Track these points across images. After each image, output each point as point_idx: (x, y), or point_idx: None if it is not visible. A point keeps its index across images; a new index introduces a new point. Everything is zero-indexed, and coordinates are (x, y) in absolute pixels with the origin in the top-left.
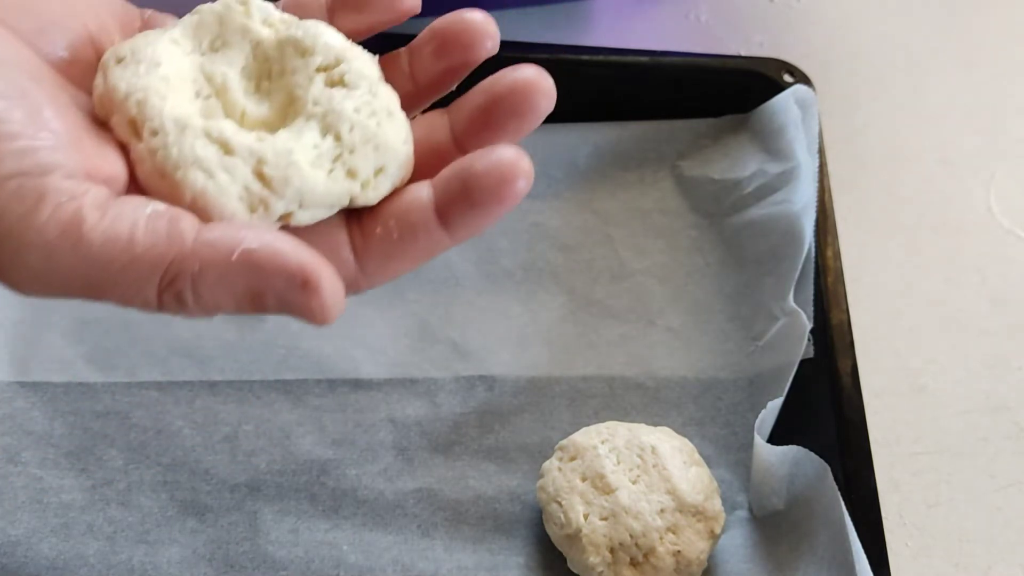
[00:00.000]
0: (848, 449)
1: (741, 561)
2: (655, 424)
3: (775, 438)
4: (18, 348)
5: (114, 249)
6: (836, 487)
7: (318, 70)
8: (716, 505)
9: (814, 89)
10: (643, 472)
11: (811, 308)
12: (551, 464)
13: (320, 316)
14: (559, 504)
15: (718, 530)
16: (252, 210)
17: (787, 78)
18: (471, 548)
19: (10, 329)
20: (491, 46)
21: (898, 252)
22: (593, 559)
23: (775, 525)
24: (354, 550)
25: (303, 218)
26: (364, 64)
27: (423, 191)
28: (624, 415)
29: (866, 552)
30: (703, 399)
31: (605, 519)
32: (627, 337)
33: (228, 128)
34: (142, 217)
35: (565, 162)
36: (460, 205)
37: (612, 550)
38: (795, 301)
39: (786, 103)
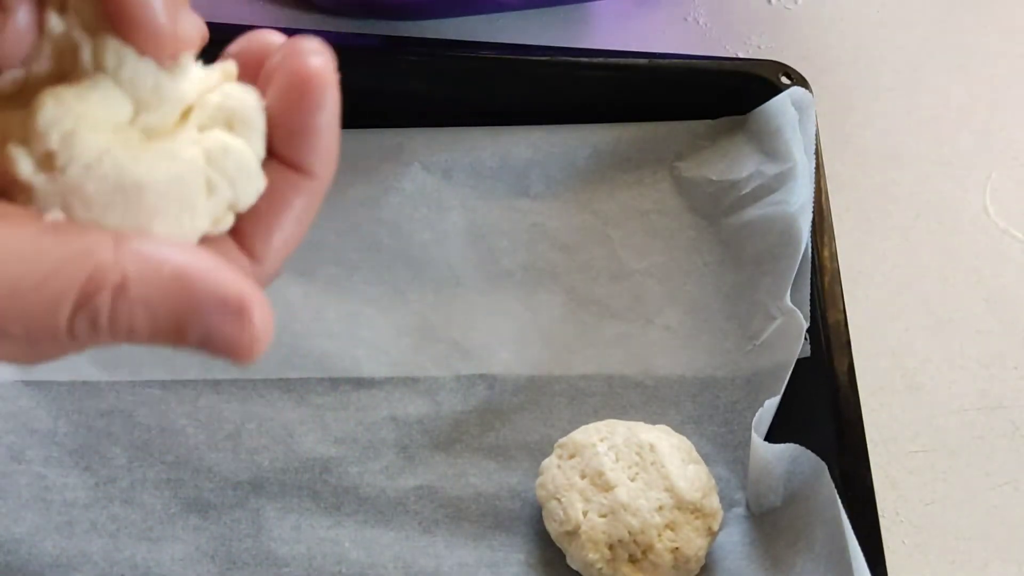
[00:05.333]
0: (845, 447)
1: (739, 558)
2: (653, 422)
3: (772, 436)
4: None
5: (19, 267)
6: (833, 485)
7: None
8: (714, 502)
9: (811, 91)
10: (641, 470)
11: (808, 308)
12: (551, 462)
13: (247, 350)
14: (558, 501)
15: (716, 527)
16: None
17: (784, 80)
18: (472, 545)
19: None
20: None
21: (894, 252)
22: (592, 556)
23: (772, 522)
24: (356, 547)
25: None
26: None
27: None
28: (623, 413)
29: (863, 549)
30: (701, 397)
31: (604, 516)
32: (626, 336)
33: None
34: (45, 228)
35: (564, 163)
36: (289, 135)
37: (611, 547)
38: (792, 301)
39: (783, 105)
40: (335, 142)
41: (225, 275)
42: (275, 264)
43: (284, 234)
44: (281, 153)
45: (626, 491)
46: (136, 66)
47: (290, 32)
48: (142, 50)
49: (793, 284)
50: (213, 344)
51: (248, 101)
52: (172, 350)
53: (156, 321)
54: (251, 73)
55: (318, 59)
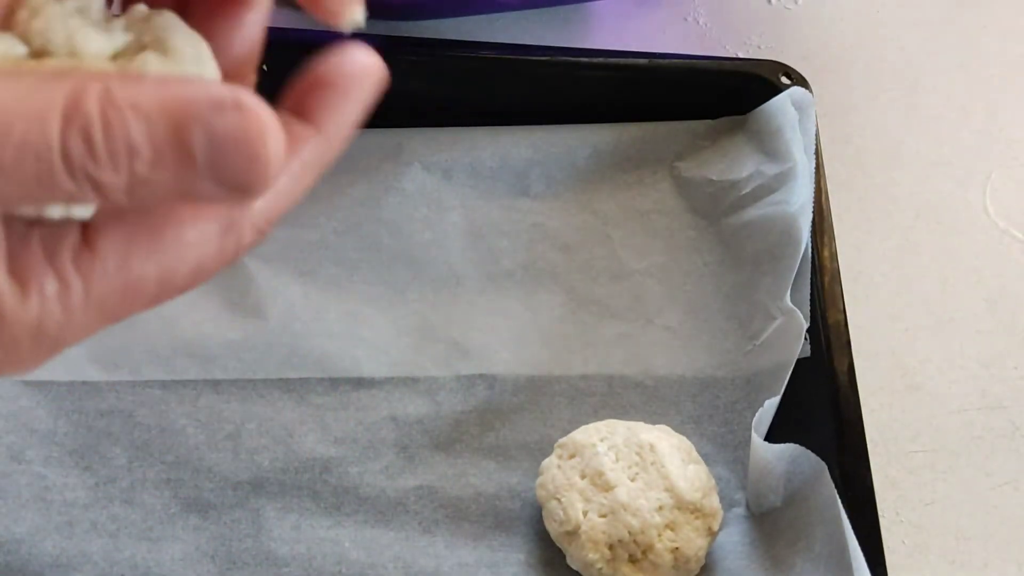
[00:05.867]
0: (845, 447)
1: (739, 558)
2: (653, 422)
3: (772, 436)
4: None
5: (5, 85)
6: (833, 485)
7: None
8: (714, 502)
9: (811, 91)
10: (641, 470)
11: (808, 307)
12: (551, 462)
13: (263, 147)
14: (558, 501)
15: (716, 527)
16: None
17: (784, 80)
18: (472, 545)
19: None
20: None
21: (894, 252)
22: (592, 556)
23: (772, 522)
24: (356, 547)
25: None
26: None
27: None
28: (623, 413)
29: (863, 549)
30: (701, 397)
31: (604, 516)
32: (626, 336)
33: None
34: (25, 61)
35: (565, 163)
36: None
37: (611, 547)
38: (792, 301)
39: (783, 105)
40: (354, 120)
41: (210, 83)
42: (270, 224)
43: (279, 186)
44: (298, 101)
45: (626, 491)
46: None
47: (290, 32)
48: None
49: (793, 284)
50: (224, 149)
51: (171, 22)
52: (173, 350)
53: (153, 130)
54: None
55: (371, 56)
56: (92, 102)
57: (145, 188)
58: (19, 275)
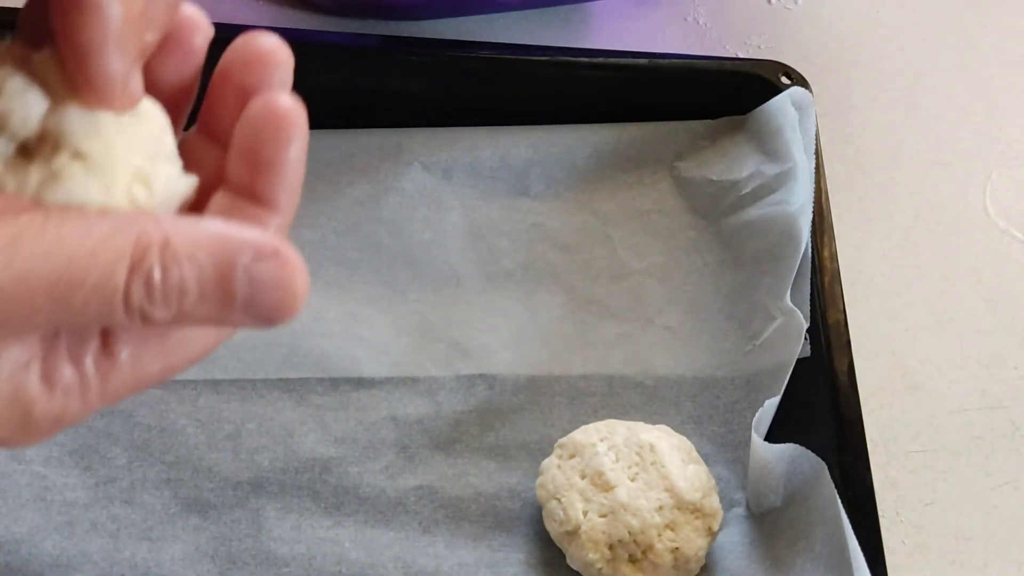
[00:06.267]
0: (845, 447)
1: (739, 558)
2: (653, 422)
3: (772, 436)
4: None
5: (78, 234)
6: (833, 485)
7: None
8: (714, 502)
9: (811, 91)
10: (641, 470)
11: (808, 308)
12: (551, 462)
13: (293, 289)
14: (558, 501)
15: (716, 527)
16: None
17: (784, 80)
18: (472, 545)
19: None
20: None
21: (894, 252)
22: (592, 556)
23: (772, 522)
24: (356, 547)
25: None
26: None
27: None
28: (623, 413)
29: (863, 549)
30: (701, 397)
31: (604, 516)
32: (626, 336)
33: None
34: (81, 212)
35: (565, 163)
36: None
37: (611, 547)
38: (792, 301)
39: (783, 105)
40: (300, 179)
41: (259, 232)
42: None
43: None
44: (246, 185)
45: (626, 491)
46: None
47: (290, 32)
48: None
49: (793, 284)
50: (260, 292)
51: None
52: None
53: (203, 274)
54: (236, 82)
55: (287, 99)
56: (155, 253)
57: (186, 320)
58: (48, 378)
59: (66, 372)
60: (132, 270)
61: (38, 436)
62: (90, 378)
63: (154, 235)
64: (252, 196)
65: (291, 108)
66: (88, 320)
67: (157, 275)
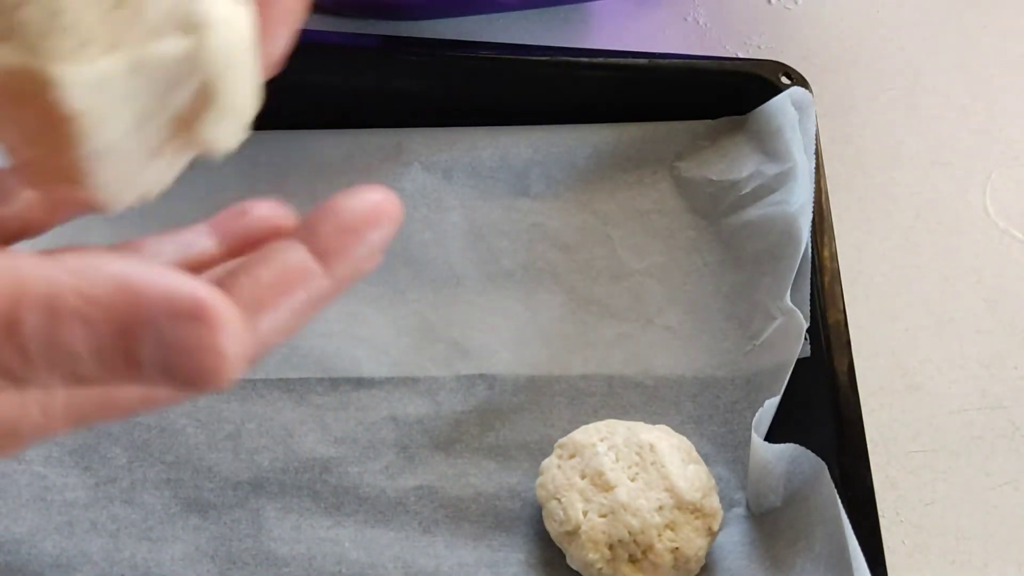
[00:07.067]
0: (845, 447)
1: (739, 558)
2: (653, 422)
3: (772, 436)
4: None
5: None
6: (833, 485)
7: None
8: (714, 502)
9: (811, 91)
10: (641, 470)
11: (808, 308)
12: (551, 462)
13: (216, 364)
14: (558, 501)
15: (716, 527)
16: None
17: (784, 80)
18: (472, 545)
19: None
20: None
21: (894, 252)
22: (592, 556)
23: (772, 522)
24: (356, 547)
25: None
26: None
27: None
28: (623, 413)
29: (863, 549)
30: (701, 397)
31: (604, 516)
32: (626, 336)
33: None
34: None
35: (565, 163)
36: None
37: (611, 547)
38: (792, 301)
39: (783, 105)
40: (368, 260)
41: (174, 278)
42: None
43: (276, 317)
44: (315, 240)
45: (626, 491)
46: None
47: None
48: None
49: (793, 284)
50: (175, 357)
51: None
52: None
53: (99, 339)
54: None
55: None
56: (33, 315)
57: (82, 382)
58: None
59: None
60: (3, 334)
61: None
62: (53, 388)
63: (35, 290)
64: (315, 246)
65: (393, 206)
66: None
67: (36, 343)
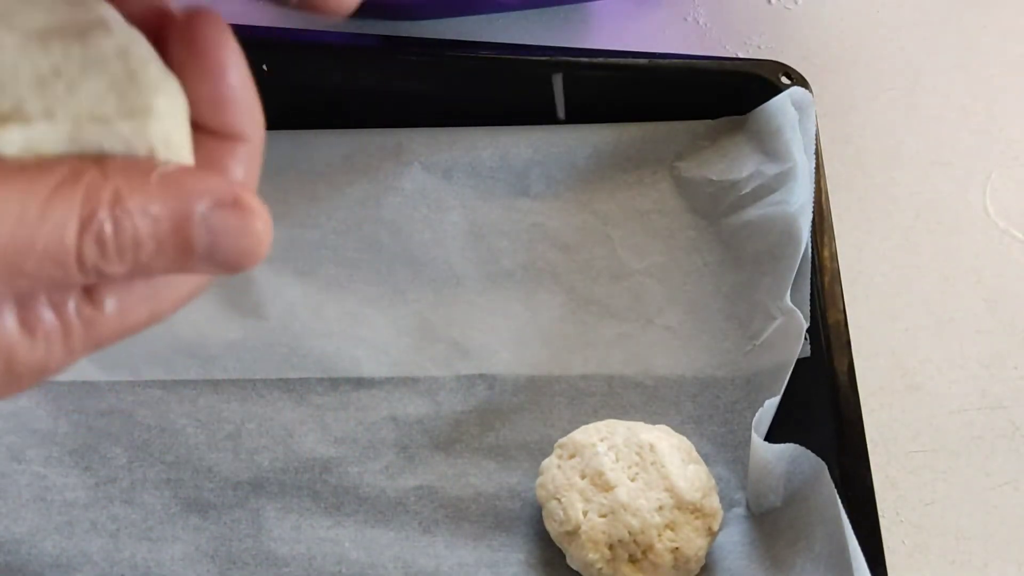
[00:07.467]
0: (845, 447)
1: (739, 558)
2: (653, 422)
3: (772, 436)
4: None
5: (20, 196)
6: (833, 485)
7: None
8: (714, 502)
9: (811, 91)
10: (641, 470)
11: (808, 308)
12: (551, 462)
13: (256, 238)
14: (558, 501)
15: (716, 527)
16: None
17: (784, 80)
18: (472, 545)
19: None
20: None
21: (894, 252)
22: (592, 556)
23: (772, 522)
24: (356, 547)
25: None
26: None
27: None
28: (623, 413)
29: (863, 549)
30: (701, 397)
31: (604, 516)
32: (626, 336)
33: None
34: (17, 169)
35: (564, 163)
36: None
37: (611, 547)
38: (792, 301)
39: (783, 105)
40: (254, 99)
41: (212, 177)
42: None
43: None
44: (207, 125)
45: (626, 491)
46: None
47: (290, 32)
48: None
49: (793, 284)
50: (221, 240)
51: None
52: (173, 350)
53: (158, 227)
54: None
55: (212, 23)
56: (104, 210)
57: (145, 272)
58: (28, 325)
59: (47, 318)
60: (82, 229)
61: (21, 385)
62: (73, 325)
63: (103, 189)
64: (220, 133)
65: (215, 34)
66: (46, 283)
67: (109, 231)
